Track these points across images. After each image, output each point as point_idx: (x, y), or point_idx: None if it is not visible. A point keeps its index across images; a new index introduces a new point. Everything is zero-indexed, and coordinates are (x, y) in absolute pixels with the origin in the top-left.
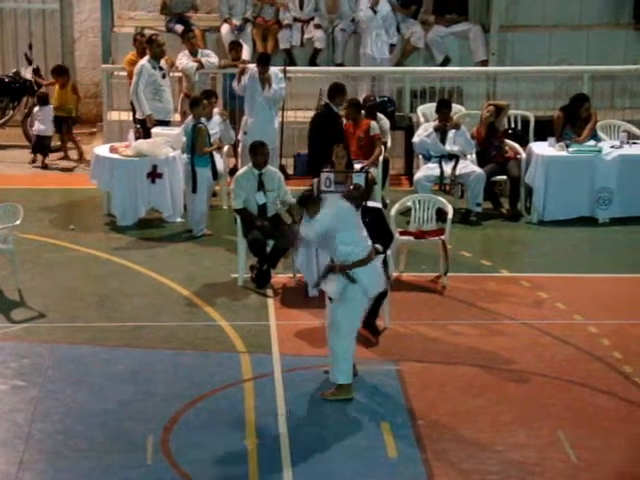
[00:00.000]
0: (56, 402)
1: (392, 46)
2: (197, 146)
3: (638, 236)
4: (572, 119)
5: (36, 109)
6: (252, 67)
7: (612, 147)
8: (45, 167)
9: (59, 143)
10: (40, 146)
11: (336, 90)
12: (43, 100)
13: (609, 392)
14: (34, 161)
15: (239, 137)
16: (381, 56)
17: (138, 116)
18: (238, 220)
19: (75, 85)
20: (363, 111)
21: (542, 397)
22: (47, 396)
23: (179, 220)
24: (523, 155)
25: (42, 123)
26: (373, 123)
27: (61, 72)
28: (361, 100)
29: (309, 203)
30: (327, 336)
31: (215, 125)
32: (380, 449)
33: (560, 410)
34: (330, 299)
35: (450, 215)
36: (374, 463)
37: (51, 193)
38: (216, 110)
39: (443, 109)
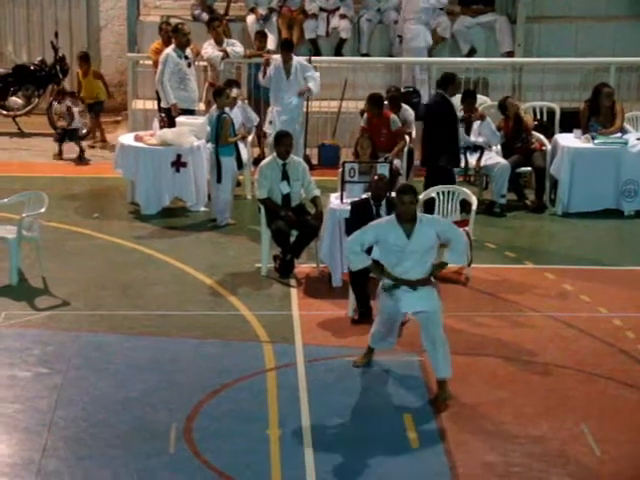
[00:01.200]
0: (79, 390)
1: None
2: (222, 136)
3: None
4: (596, 110)
5: (56, 105)
6: (277, 57)
7: (638, 139)
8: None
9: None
10: (71, 137)
11: (447, 79)
12: (70, 93)
13: (634, 385)
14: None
15: (265, 128)
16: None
17: (163, 105)
18: (262, 210)
19: (97, 71)
20: (386, 102)
21: (566, 390)
22: (70, 384)
23: (203, 209)
24: (548, 147)
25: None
26: (393, 117)
27: (85, 59)
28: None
29: None
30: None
31: (238, 114)
32: (403, 440)
33: (584, 403)
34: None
35: (474, 206)
36: (396, 454)
37: (75, 181)
38: (235, 92)
39: (468, 100)
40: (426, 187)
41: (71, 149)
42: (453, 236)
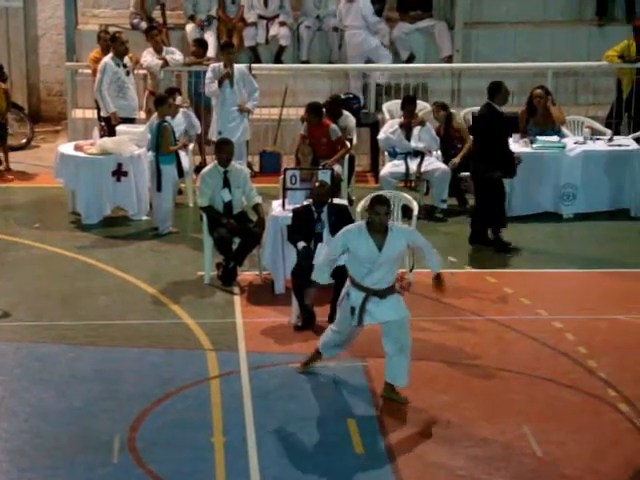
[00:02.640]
0: (21, 401)
1: None
2: (162, 145)
3: (602, 231)
4: (532, 112)
5: None
6: (219, 65)
7: (576, 143)
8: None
9: None
10: None
11: (494, 88)
12: None
13: (574, 387)
14: None
15: (212, 137)
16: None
17: (103, 114)
18: (204, 218)
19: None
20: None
21: (507, 392)
22: (12, 395)
23: (144, 218)
24: None
25: None
26: (333, 126)
27: None
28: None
29: None
30: (395, 358)
31: (180, 122)
32: (347, 445)
33: (525, 405)
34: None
35: (415, 212)
36: (341, 459)
37: (15, 191)
38: (179, 99)
39: (408, 106)
40: (478, 200)
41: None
42: (423, 244)
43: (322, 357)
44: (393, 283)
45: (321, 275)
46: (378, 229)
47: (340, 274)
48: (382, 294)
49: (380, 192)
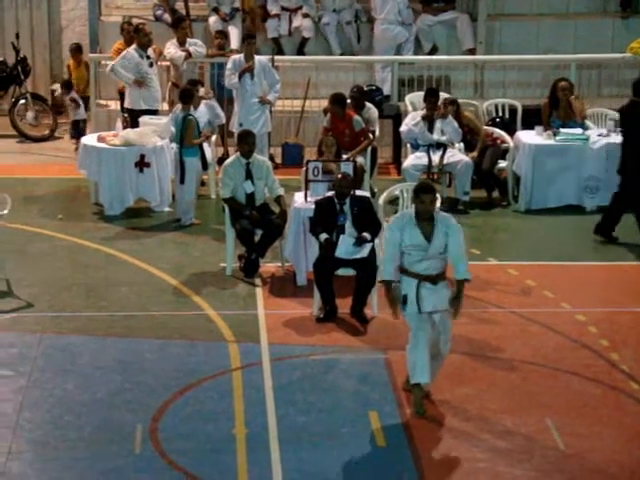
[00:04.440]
0: (44, 392)
1: None
2: (186, 138)
3: (624, 224)
4: (555, 105)
5: (65, 99)
6: (239, 57)
7: (599, 135)
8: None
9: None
10: (78, 131)
11: (637, 85)
12: (68, 85)
13: (596, 380)
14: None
15: (234, 128)
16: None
17: (126, 105)
18: (226, 209)
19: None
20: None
21: (530, 385)
22: (35, 386)
23: (167, 209)
24: (511, 144)
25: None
26: (356, 118)
27: (78, 50)
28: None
29: None
30: (442, 350)
31: (203, 113)
32: (368, 438)
33: (548, 398)
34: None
35: (438, 204)
36: (362, 452)
37: (39, 182)
38: (202, 91)
39: (431, 98)
40: (622, 197)
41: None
42: (456, 245)
43: (423, 389)
44: (444, 270)
45: (387, 272)
46: (424, 217)
47: (363, 265)
48: (434, 280)
49: (402, 184)
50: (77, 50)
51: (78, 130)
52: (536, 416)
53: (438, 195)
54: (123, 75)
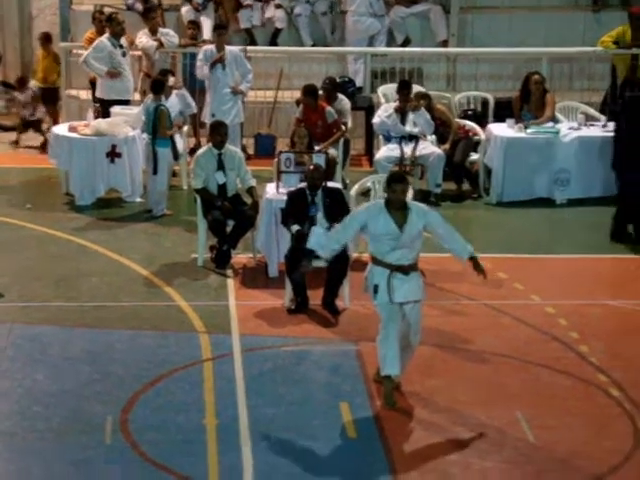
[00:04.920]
0: (13, 382)
1: None
2: (160, 128)
3: (595, 217)
4: (527, 98)
5: (16, 94)
6: (211, 48)
7: (570, 128)
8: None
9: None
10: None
11: None
12: (22, 82)
13: (566, 372)
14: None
15: (206, 119)
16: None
17: (97, 95)
18: (198, 200)
19: (57, 54)
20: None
21: (500, 377)
22: (4, 376)
23: (138, 200)
24: (482, 136)
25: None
26: (328, 109)
27: (47, 39)
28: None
29: None
30: (412, 342)
31: (174, 103)
32: (339, 429)
33: (518, 390)
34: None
35: (410, 196)
36: (333, 443)
37: (8, 172)
38: (172, 80)
39: (403, 90)
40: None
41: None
42: (443, 229)
43: (393, 380)
44: (416, 261)
45: (327, 249)
46: (397, 207)
47: (335, 257)
48: (406, 270)
49: (374, 175)
50: (46, 39)
51: (31, 126)
52: (506, 408)
53: (410, 185)
54: (96, 67)
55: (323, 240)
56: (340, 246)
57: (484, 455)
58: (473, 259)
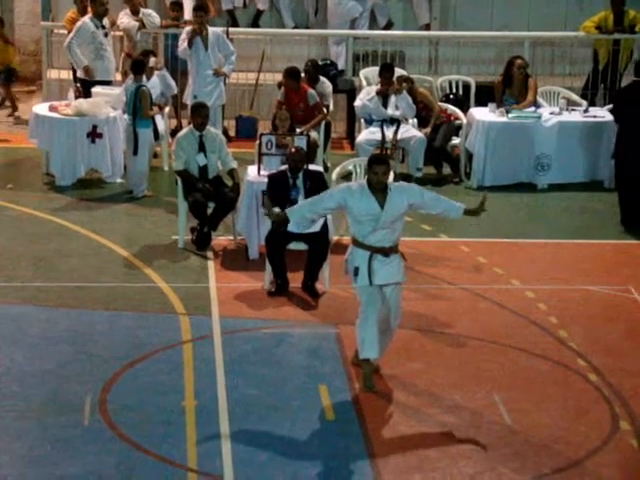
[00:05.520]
0: None
1: None
2: (141, 109)
3: (575, 202)
4: (509, 82)
5: None
6: (193, 28)
7: (551, 113)
8: None
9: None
10: None
11: None
12: None
13: (544, 356)
14: None
15: (187, 100)
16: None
17: (78, 75)
18: (179, 182)
19: (7, 36)
20: (303, 75)
21: (478, 361)
22: None
23: (119, 181)
24: (464, 120)
25: None
26: (311, 91)
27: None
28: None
29: None
30: (392, 325)
31: (155, 84)
32: (318, 412)
33: (496, 374)
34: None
35: (391, 179)
36: (312, 425)
37: None
38: (152, 61)
39: (386, 73)
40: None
41: None
42: (429, 197)
43: (372, 364)
44: (396, 243)
45: (299, 219)
46: (378, 188)
47: (315, 240)
48: (386, 252)
49: (355, 159)
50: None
51: None
52: (483, 391)
53: (391, 169)
54: (77, 57)
55: (296, 207)
56: (312, 216)
57: (461, 437)
58: (469, 212)
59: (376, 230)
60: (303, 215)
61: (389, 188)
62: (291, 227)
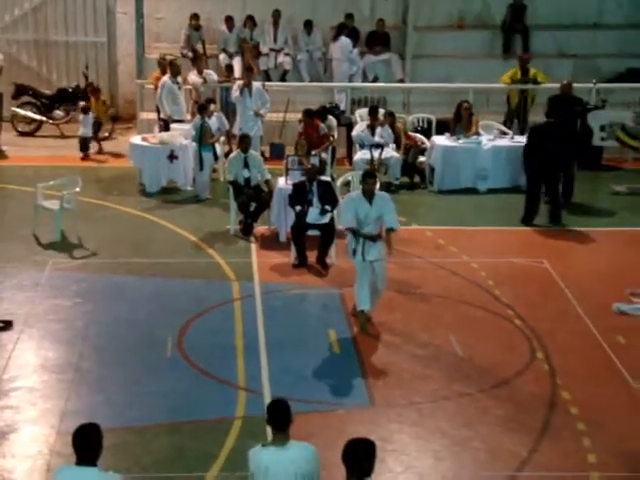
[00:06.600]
0: (104, 313)
1: None
2: (204, 138)
3: (504, 201)
4: (459, 119)
5: (80, 117)
6: (241, 82)
7: (489, 140)
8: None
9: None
10: (84, 146)
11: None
12: (85, 110)
13: (484, 308)
14: (84, 157)
15: (235, 131)
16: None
17: (161, 116)
18: (230, 189)
19: (105, 100)
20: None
21: (439, 311)
22: (98, 309)
23: (189, 188)
24: (428, 144)
25: (85, 127)
26: (321, 126)
27: (97, 90)
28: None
29: None
30: (379, 288)
31: (214, 122)
32: (328, 347)
33: (451, 320)
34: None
35: (378, 186)
36: (324, 356)
37: (100, 169)
38: (212, 107)
39: (373, 113)
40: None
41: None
42: (388, 207)
43: (366, 314)
44: (379, 232)
45: (348, 221)
46: (369, 195)
47: (326, 229)
48: (374, 238)
49: (353, 172)
50: (96, 90)
51: (84, 145)
52: (443, 333)
53: (378, 180)
54: (164, 107)
55: (349, 218)
56: (353, 219)
57: (426, 364)
58: (391, 231)
59: (368, 224)
60: (352, 223)
61: (376, 194)
62: (345, 224)
